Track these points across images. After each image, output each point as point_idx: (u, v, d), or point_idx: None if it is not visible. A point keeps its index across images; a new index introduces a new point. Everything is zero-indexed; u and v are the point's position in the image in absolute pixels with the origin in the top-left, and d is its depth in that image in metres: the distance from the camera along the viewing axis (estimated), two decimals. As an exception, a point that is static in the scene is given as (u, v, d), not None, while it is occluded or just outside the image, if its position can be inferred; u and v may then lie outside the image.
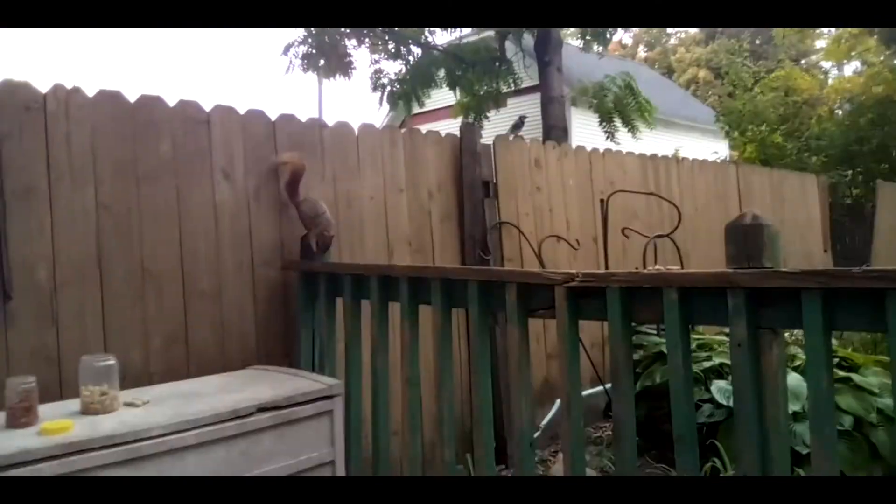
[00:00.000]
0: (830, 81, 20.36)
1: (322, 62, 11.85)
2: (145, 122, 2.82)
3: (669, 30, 41.29)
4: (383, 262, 3.52)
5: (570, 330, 2.10)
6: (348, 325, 2.86)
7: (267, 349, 3.08)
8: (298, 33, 11.51)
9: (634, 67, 19.97)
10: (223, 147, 3.05)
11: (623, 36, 39.65)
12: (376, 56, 12.35)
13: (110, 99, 2.74)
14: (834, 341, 4.31)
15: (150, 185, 2.80)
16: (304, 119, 3.40)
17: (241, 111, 3.15)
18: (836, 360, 3.51)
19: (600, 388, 4.15)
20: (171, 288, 2.82)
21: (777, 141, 13.37)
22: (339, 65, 11.80)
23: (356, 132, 3.59)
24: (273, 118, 3.26)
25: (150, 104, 2.85)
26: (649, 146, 7.13)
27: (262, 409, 2.12)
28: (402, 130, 3.92)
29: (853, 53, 17.90)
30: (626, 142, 10.22)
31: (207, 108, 3.03)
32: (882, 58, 16.23)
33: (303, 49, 11.62)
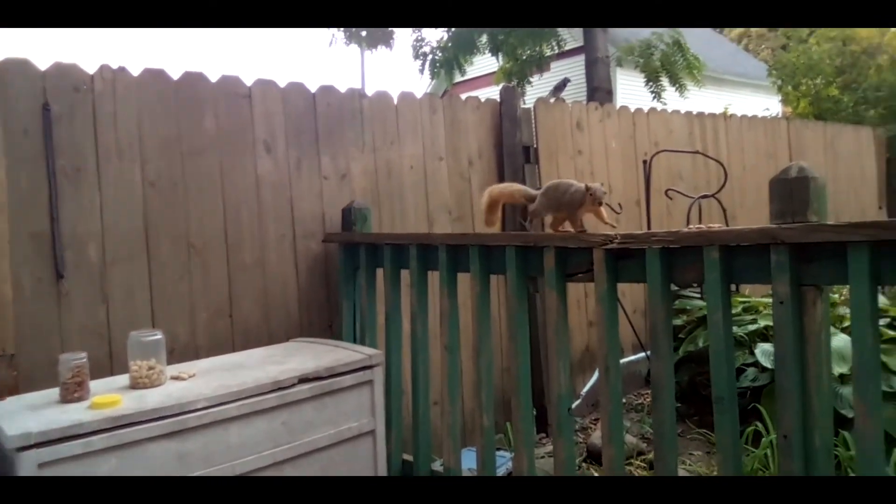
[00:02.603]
0: (893, 29, 19.31)
1: (364, 33, 11.85)
2: (189, 98, 2.87)
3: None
4: (423, 231, 3.54)
5: (609, 293, 2.08)
6: (388, 295, 2.89)
7: (310, 321, 3.14)
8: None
9: (682, 23, 19.32)
10: (265, 120, 3.10)
11: (670, -9, 38.36)
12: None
13: (154, 77, 2.80)
14: (884, 300, 4.18)
15: (194, 160, 2.87)
16: (343, 90, 3.42)
17: (282, 84, 3.18)
18: (886, 320, 3.39)
19: (642, 354, 4.12)
20: (216, 262, 2.90)
21: (833, 94, 12.81)
22: (380, 35, 11.77)
23: (395, 101, 3.60)
24: (313, 90, 3.29)
25: (192, 81, 2.90)
26: (698, 105, 6.92)
27: (303, 379, 2.17)
28: (442, 97, 3.90)
29: (918, -2, 16.93)
30: (673, 102, 9.95)
31: (249, 82, 3.07)
32: (949, 1, 15.30)
33: (345, 20, 11.64)
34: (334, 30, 11.65)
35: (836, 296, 3.79)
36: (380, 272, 3.00)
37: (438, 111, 3.76)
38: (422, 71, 12.25)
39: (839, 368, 2.91)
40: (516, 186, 2.67)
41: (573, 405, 3.93)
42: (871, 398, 1.57)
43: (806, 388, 1.68)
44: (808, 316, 1.70)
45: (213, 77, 2.97)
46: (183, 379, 2.16)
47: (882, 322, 3.52)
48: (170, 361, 2.27)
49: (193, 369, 2.26)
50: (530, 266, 2.34)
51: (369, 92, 3.55)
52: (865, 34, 15.95)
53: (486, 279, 2.50)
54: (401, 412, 2.87)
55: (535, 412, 3.52)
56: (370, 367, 2.35)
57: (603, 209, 2.25)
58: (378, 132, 3.50)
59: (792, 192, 1.73)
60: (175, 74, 2.86)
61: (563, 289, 2.22)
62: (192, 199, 2.85)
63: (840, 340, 3.03)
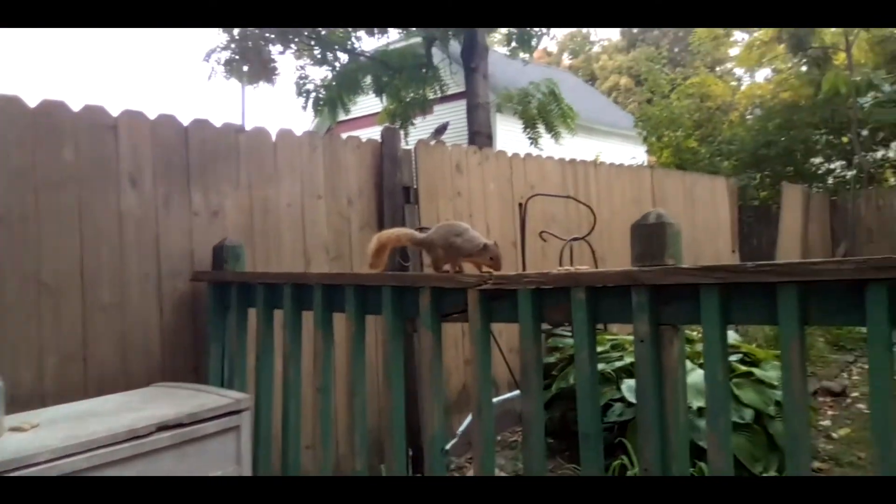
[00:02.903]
0: (743, 88, 21.32)
1: (245, 68, 11.65)
2: (47, 127, 2.68)
3: (593, 38, 42.45)
4: (300, 270, 3.46)
5: (483, 332, 2.11)
6: (260, 335, 2.79)
7: (174, 364, 2.96)
8: (221, 39, 11.28)
9: (559, 74, 20.45)
10: (131, 153, 2.94)
11: (548, 43, 40.53)
12: (301, 62, 12.22)
13: (7, 103, 2.60)
14: (738, 337, 4.50)
15: (49, 193, 2.66)
16: (218, 124, 3.31)
17: (152, 116, 3.04)
18: (738, 356, 3.65)
19: (517, 392, 4.19)
20: (70, 302, 2.68)
21: (691, 146, 13.90)
22: (262, 70, 11.60)
23: (274, 138, 3.53)
24: (185, 123, 3.16)
25: (51, 109, 2.71)
26: (571, 152, 7.28)
27: (162, 427, 2.03)
28: (322, 136, 3.87)
29: (763, 60, 18.80)
30: (549, 148, 10.42)
31: (116, 112, 2.91)
32: (790, 65, 17.12)
33: (225, 55, 11.39)
34: (214, 63, 11.39)
35: (695, 333, 4.04)
36: (252, 312, 2.89)
37: (318, 149, 3.72)
38: (305, 108, 12.17)
39: (697, 402, 3.08)
40: (403, 230, 2.67)
41: (449, 445, 3.94)
42: (721, 430, 1.66)
43: (664, 422, 1.76)
44: (666, 353, 1.79)
45: (76, 106, 2.79)
46: (24, 430, 1.96)
47: (735, 357, 3.78)
48: (11, 410, 2.06)
49: (37, 419, 2.06)
50: (407, 306, 2.33)
51: (248, 127, 3.47)
52: (720, 92, 17.50)
53: (362, 319, 2.46)
54: (270, 458, 2.74)
55: (411, 453, 3.49)
56: (237, 412, 2.24)
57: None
58: (255, 169, 3.41)
59: (651, 236, 1.84)
60: (33, 102, 2.67)
61: (438, 329, 2.23)
62: (46, 234, 2.64)
63: (698, 375, 3.21)
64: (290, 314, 2.64)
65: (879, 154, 13.83)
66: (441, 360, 2.23)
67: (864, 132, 13.02)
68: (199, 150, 3.18)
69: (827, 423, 4.57)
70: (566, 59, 41.40)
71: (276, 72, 11.64)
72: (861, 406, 4.82)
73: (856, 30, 13.10)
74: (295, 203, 3.57)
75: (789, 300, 1.55)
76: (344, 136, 4.00)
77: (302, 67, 12.11)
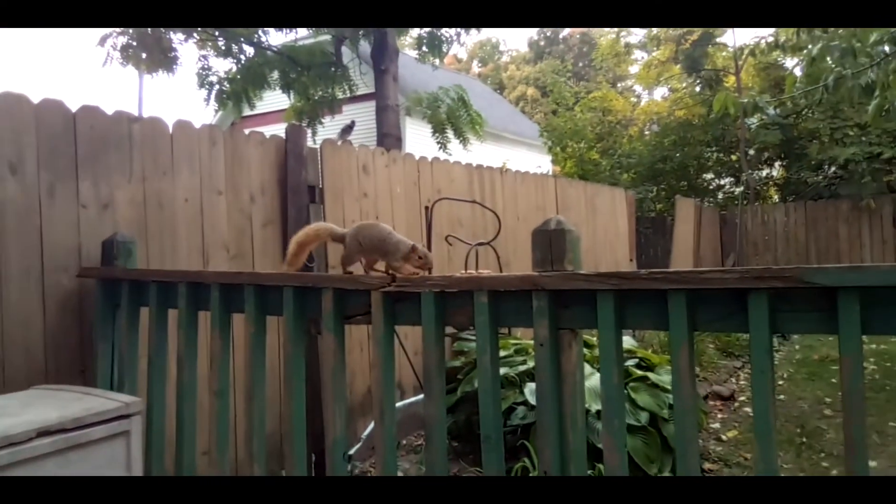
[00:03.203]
0: (642, 104, 22.30)
1: (144, 55, 11.12)
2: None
3: (502, 47, 43.30)
4: (197, 269, 3.32)
5: (386, 335, 2.10)
6: (153, 336, 2.65)
7: (58, 366, 2.77)
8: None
9: (468, 81, 20.71)
10: (12, 139, 2.73)
11: (459, 50, 40.99)
12: (205, 52, 11.80)
13: None
14: (634, 342, 4.68)
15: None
16: (110, 112, 3.14)
17: (35, 101, 2.84)
18: (635, 361, 3.80)
19: (422, 396, 4.20)
20: (-62, 297, 2.47)
21: (593, 157, 14.41)
22: (162, 59, 11.12)
23: (171, 129, 3.37)
24: (73, 109, 2.98)
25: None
26: (479, 158, 7.38)
27: (42, 433, 1.89)
28: (223, 129, 3.74)
29: (661, 79, 19.75)
30: (457, 153, 10.53)
31: (-4, 96, 2.70)
32: (685, 85, 18.06)
33: (122, 40, 10.83)
34: (110, 48, 10.82)
35: (594, 338, 4.18)
36: (144, 312, 2.75)
37: (219, 143, 3.59)
38: (207, 101, 11.76)
39: (595, 405, 3.18)
40: (324, 225, 2.56)
41: (353, 450, 3.89)
42: (616, 432, 1.72)
43: (563, 425, 1.80)
44: (565, 357, 1.84)
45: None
46: None
47: (631, 362, 3.94)
48: None
49: None
50: (309, 307, 2.29)
51: (144, 117, 3.31)
52: (620, 107, 18.23)
53: (262, 320, 2.39)
54: (163, 464, 2.61)
55: (314, 458, 3.42)
56: (127, 416, 2.12)
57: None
58: (149, 161, 3.25)
59: (551, 242, 1.88)
60: None
61: (341, 331, 2.19)
62: None
63: (596, 379, 3.32)
64: (185, 314, 2.53)
65: (764, 172, 14.81)
66: (344, 362, 2.20)
67: (752, 151, 13.91)
68: (89, 139, 3.00)
69: (717, 425, 4.82)
70: (476, 67, 42.02)
71: (178, 61, 11.19)
72: (748, 409, 5.12)
73: (745, 54, 13.99)
74: (193, 198, 3.43)
75: (679, 307, 1.62)
76: (247, 131, 3.88)
77: (205, 58, 11.70)
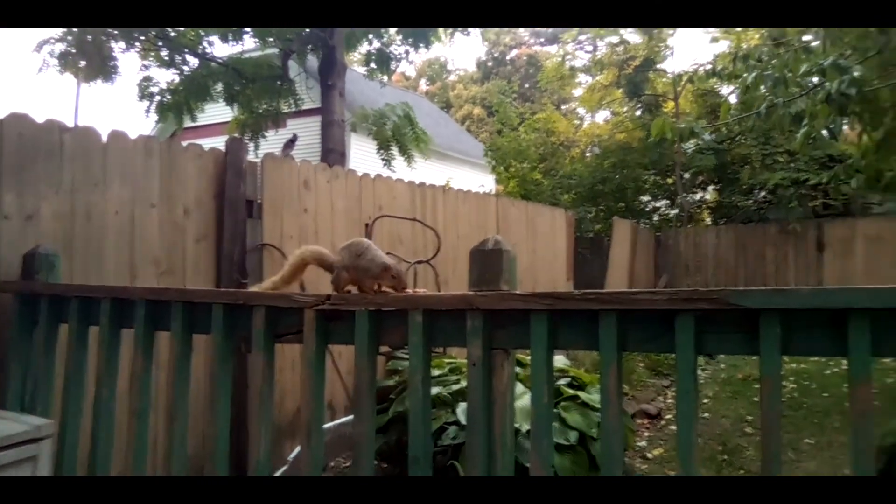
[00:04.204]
0: (584, 126, 22.79)
1: (82, 63, 10.80)
2: None
3: (450, 66, 43.70)
4: (124, 284, 3.20)
5: (318, 354, 2.05)
6: (72, 354, 2.53)
7: (-35, 386, 2.62)
8: (56, 29, 10.40)
9: (415, 99, 20.82)
10: (-73, 144, 2.60)
11: (407, 68, 41.18)
12: (147, 62, 11.52)
13: None
14: (567, 361, 4.73)
15: None
16: (41, 120, 3.02)
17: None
18: (567, 380, 3.82)
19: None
20: None
21: (536, 177, 14.62)
22: (101, 68, 10.81)
23: (105, 139, 3.26)
24: (1, 116, 2.86)
25: None
26: (424, 176, 7.39)
27: (-58, 456, 1.78)
28: (159, 140, 3.64)
29: (603, 103, 20.25)
30: (402, 170, 10.54)
31: None
32: (626, 109, 18.56)
33: (60, 47, 10.50)
34: (46, 55, 10.47)
35: (529, 357, 4.20)
36: (64, 329, 2.62)
37: (155, 155, 3.49)
38: (148, 112, 11.48)
39: (527, 425, 3.17)
40: (320, 249, 2.43)
41: (279, 472, 3.79)
42: (544, 451, 1.71)
43: (492, 444, 1.79)
44: (497, 377, 1.83)
45: None
46: None
47: (563, 381, 3.96)
48: None
49: None
50: (239, 325, 2.22)
51: (77, 126, 3.19)
52: (563, 129, 18.59)
53: (189, 339, 2.31)
54: (76, 491, 2.49)
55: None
56: (36, 440, 2.01)
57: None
58: (80, 171, 3.13)
59: (488, 261, 1.88)
60: None
61: (271, 350, 2.14)
62: None
63: (529, 399, 3.32)
64: (107, 331, 2.42)
65: (698, 196, 15.30)
66: (273, 382, 2.14)
67: (687, 175, 14.35)
68: (16, 147, 2.89)
69: (643, 443, 4.90)
70: (424, 85, 42.27)
71: (117, 70, 10.90)
72: (674, 427, 5.22)
73: (683, 81, 14.47)
74: (124, 211, 3.31)
75: (610, 327, 1.63)
76: (185, 143, 3.79)
77: (146, 68, 11.43)
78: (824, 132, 11.10)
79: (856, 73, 4.61)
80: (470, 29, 12.47)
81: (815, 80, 5.53)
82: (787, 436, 4.87)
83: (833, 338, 1.44)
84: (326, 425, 3.97)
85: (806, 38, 6.90)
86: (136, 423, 2.32)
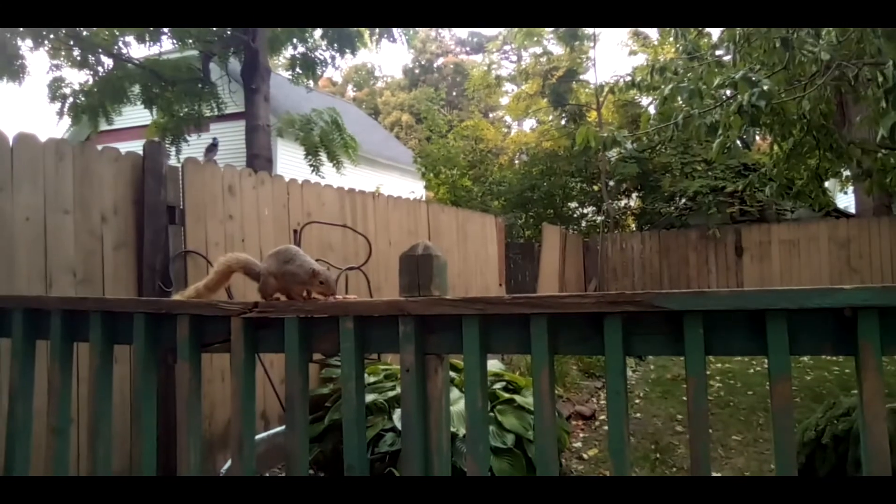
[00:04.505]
0: (512, 134, 23.16)
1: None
2: None
3: (377, 73, 43.61)
4: (38, 294, 3.04)
5: (247, 364, 1.99)
6: (-20, 368, 2.39)
7: None
8: (-48, 24, 9.79)
9: (343, 105, 20.66)
10: None
11: (333, 73, 40.85)
12: (57, 62, 11.00)
13: None
14: (502, 365, 4.77)
15: None
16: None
17: None
18: (502, 384, 3.86)
19: (290, 424, 4.06)
20: None
21: (466, 184, 14.75)
22: (7, 67, 10.25)
23: (11, 142, 3.09)
24: None
25: None
26: (354, 182, 7.32)
27: None
28: (72, 144, 3.47)
29: (529, 111, 20.64)
30: (331, 177, 10.42)
31: None
32: (551, 118, 18.97)
33: (-39, 45, 9.91)
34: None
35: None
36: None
37: (67, 159, 3.33)
38: (61, 115, 10.96)
39: (465, 429, 3.19)
40: (245, 256, 2.32)
41: (210, 486, 3.67)
42: (480, 456, 1.72)
43: (428, 450, 1.78)
44: (431, 383, 1.83)
45: None
46: None
47: (499, 385, 4.00)
48: None
49: None
50: (164, 335, 2.14)
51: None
52: (491, 136, 18.83)
53: (110, 350, 2.21)
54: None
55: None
56: (-60, 462, 1.88)
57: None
58: (-16, 176, 2.96)
59: (418, 267, 1.87)
60: None
61: (197, 360, 2.06)
62: None
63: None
64: (20, 343, 2.29)
65: (623, 202, 15.79)
66: (200, 393, 2.07)
67: (612, 182, 14.79)
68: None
69: (579, 444, 5.00)
70: (351, 91, 42.03)
71: (26, 70, 10.36)
72: (607, 428, 5.36)
73: (605, 91, 14.90)
74: (35, 217, 3.15)
75: (540, 330, 1.66)
76: (100, 147, 3.63)
77: (57, 68, 10.92)
78: (738, 142, 11.67)
79: (765, 87, 4.85)
80: (395, 34, 12.42)
81: (728, 92, 5.80)
82: (715, 433, 5.07)
83: (753, 337, 1.50)
84: (260, 436, 3.88)
85: (718, 52, 7.24)
86: (55, 440, 2.20)
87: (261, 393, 4.12)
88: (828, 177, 8.31)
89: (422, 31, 39.72)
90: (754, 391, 6.51)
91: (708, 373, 1.54)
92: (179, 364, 2.05)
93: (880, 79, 4.61)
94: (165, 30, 10.61)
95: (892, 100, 4.49)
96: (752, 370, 7.41)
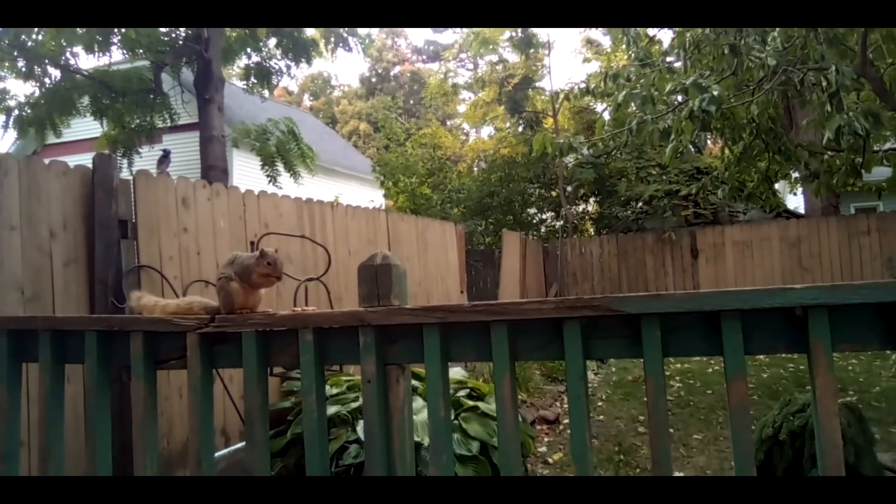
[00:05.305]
0: (470, 142, 23.27)
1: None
2: None
3: (333, 82, 43.41)
4: (-16, 313, 2.93)
5: (204, 380, 1.95)
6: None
7: None
8: None
9: (299, 115, 20.48)
10: None
11: (289, 83, 40.52)
12: (1, 73, 10.69)
13: None
14: (465, 373, 4.77)
15: None
16: None
17: None
18: (466, 391, 3.86)
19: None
20: None
21: (425, 192, 14.75)
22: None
23: (-48, 157, 2.98)
24: None
25: None
26: (312, 192, 7.26)
27: None
28: (17, 158, 3.36)
29: (487, 119, 20.78)
30: (289, 187, 10.32)
31: None
32: (508, 125, 19.12)
33: None
34: None
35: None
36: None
37: (12, 173, 3.22)
38: (6, 127, 10.64)
39: (428, 438, 3.17)
40: (197, 299, 2.23)
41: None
42: (444, 465, 1.71)
43: (392, 461, 1.77)
44: (392, 393, 1.81)
45: None
46: None
47: (462, 393, 4.00)
48: None
49: None
50: (116, 353, 2.08)
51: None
52: (450, 144, 18.90)
53: (61, 370, 2.14)
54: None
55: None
56: None
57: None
58: (-77, 192, 2.84)
59: (377, 277, 1.86)
60: None
61: (152, 377, 2.01)
62: None
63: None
64: (-37, 367, 2.20)
65: (581, 207, 15.98)
66: (155, 411, 2.01)
67: (569, 188, 14.95)
68: None
69: (543, 449, 5.02)
70: (307, 101, 41.73)
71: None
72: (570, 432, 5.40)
73: (560, 98, 15.09)
74: (-20, 235, 3.04)
75: (501, 337, 1.66)
76: (48, 161, 3.53)
77: (1, 80, 10.61)
78: (691, 146, 11.92)
79: (715, 92, 4.97)
80: (351, 42, 12.39)
81: (680, 98, 5.93)
82: (676, 433, 5.15)
83: (709, 338, 1.53)
84: (220, 453, 3.80)
85: (669, 59, 7.40)
86: (3, 465, 2.12)
87: (220, 408, 4.04)
88: (777, 179, 8.55)
89: (378, 40, 39.72)
90: (713, 390, 6.63)
91: (667, 373, 1.56)
92: (134, 382, 2.00)
93: (824, 83, 4.76)
94: (115, 40, 10.40)
95: (837, 103, 4.64)
96: (710, 370, 7.55)
